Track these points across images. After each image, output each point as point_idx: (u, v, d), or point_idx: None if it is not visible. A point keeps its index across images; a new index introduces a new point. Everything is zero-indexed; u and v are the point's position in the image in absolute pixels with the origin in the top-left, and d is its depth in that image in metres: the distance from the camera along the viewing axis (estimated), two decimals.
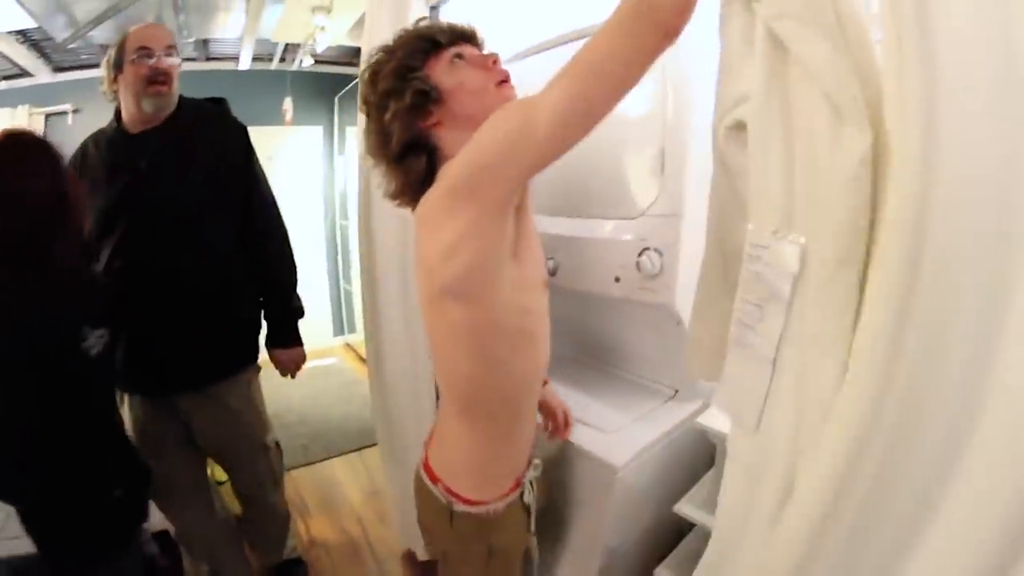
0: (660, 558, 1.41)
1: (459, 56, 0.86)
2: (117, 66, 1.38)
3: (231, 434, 1.62)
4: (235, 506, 1.93)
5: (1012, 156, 0.49)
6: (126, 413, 1.53)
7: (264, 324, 1.67)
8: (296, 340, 1.69)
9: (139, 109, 1.38)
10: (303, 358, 1.74)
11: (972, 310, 0.52)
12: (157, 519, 1.82)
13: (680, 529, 1.44)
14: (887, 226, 0.52)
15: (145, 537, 1.46)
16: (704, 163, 1.16)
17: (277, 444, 1.80)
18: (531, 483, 1.08)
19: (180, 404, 1.54)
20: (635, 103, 1.26)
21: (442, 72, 0.84)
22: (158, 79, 1.35)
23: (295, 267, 1.67)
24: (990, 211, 0.51)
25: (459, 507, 0.96)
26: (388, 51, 0.87)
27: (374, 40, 1.59)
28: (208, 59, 3.82)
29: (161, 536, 1.91)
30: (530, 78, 1.48)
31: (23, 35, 3.02)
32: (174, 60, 1.39)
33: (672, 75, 1.17)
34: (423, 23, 0.92)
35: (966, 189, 0.50)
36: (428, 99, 0.83)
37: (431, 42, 0.86)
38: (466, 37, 0.89)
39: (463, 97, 0.84)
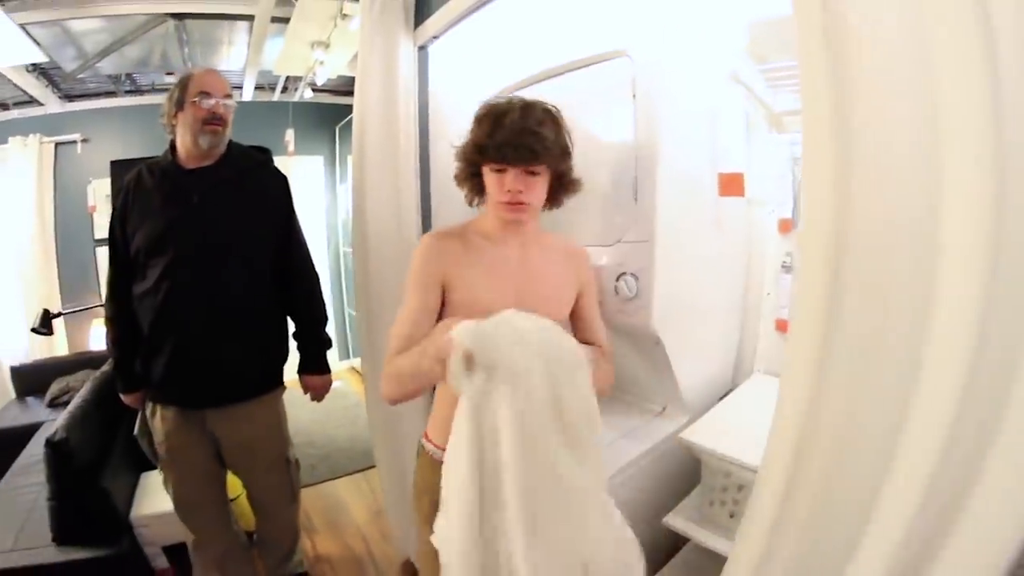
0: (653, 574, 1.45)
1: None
2: (179, 104, 1.53)
3: (256, 449, 1.75)
4: (245, 522, 2.07)
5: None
6: (156, 424, 1.67)
7: (296, 353, 1.84)
8: (326, 368, 1.86)
9: (195, 145, 1.54)
10: (330, 383, 1.90)
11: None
12: (174, 531, 1.97)
13: (674, 546, 1.49)
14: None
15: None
16: (672, 191, 1.27)
17: (296, 460, 1.93)
18: None
19: (209, 418, 1.67)
20: (608, 134, 1.36)
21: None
22: (215, 120, 1.53)
23: (325, 305, 1.85)
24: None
25: (423, 441, 1.15)
26: None
27: (367, 78, 1.72)
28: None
29: (175, 548, 2.07)
30: None
31: (34, 65, 3.18)
32: (230, 104, 1.57)
33: (642, 107, 1.27)
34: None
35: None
36: None
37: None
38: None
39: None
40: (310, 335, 1.81)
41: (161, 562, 2.13)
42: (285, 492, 1.86)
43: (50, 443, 1.86)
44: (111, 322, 1.69)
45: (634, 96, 1.28)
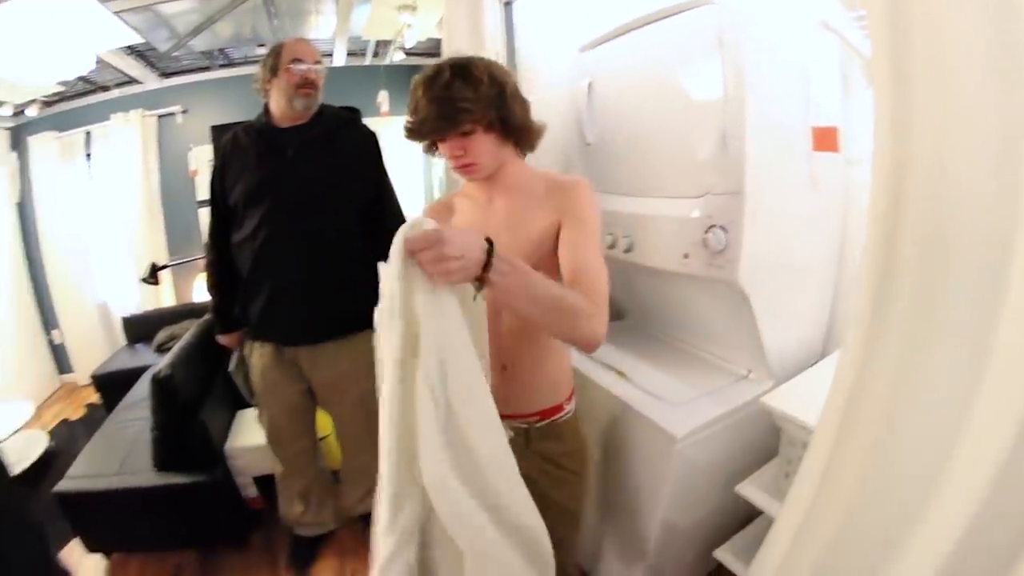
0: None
1: None
2: (273, 71, 1.66)
3: (344, 386, 1.87)
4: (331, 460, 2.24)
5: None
6: (253, 361, 1.84)
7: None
8: None
9: (290, 107, 1.66)
10: None
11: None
12: (264, 464, 2.16)
13: (747, 516, 1.46)
14: None
15: None
16: (762, 142, 1.23)
17: None
18: None
19: (302, 356, 1.81)
20: (694, 85, 1.32)
21: None
22: (307, 84, 1.64)
23: None
24: None
25: None
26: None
27: (453, 37, 1.76)
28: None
29: (264, 479, 2.27)
30: (603, 65, 1.59)
31: (130, 48, 3.43)
32: (321, 68, 1.68)
33: (729, 55, 1.23)
34: None
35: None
36: None
37: None
38: None
39: None
40: None
41: (251, 491, 2.33)
42: (372, 428, 1.97)
43: (156, 379, 2.06)
44: (211, 268, 1.85)
45: (720, 44, 1.23)
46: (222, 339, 1.92)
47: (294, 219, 1.67)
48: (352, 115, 1.86)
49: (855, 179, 1.44)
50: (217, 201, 1.76)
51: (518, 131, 1.08)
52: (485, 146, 1.05)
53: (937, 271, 0.55)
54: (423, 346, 0.79)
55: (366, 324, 1.81)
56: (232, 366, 1.94)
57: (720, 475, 1.42)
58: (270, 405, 1.88)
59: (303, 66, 1.63)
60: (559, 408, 1.21)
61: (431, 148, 1.12)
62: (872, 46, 0.58)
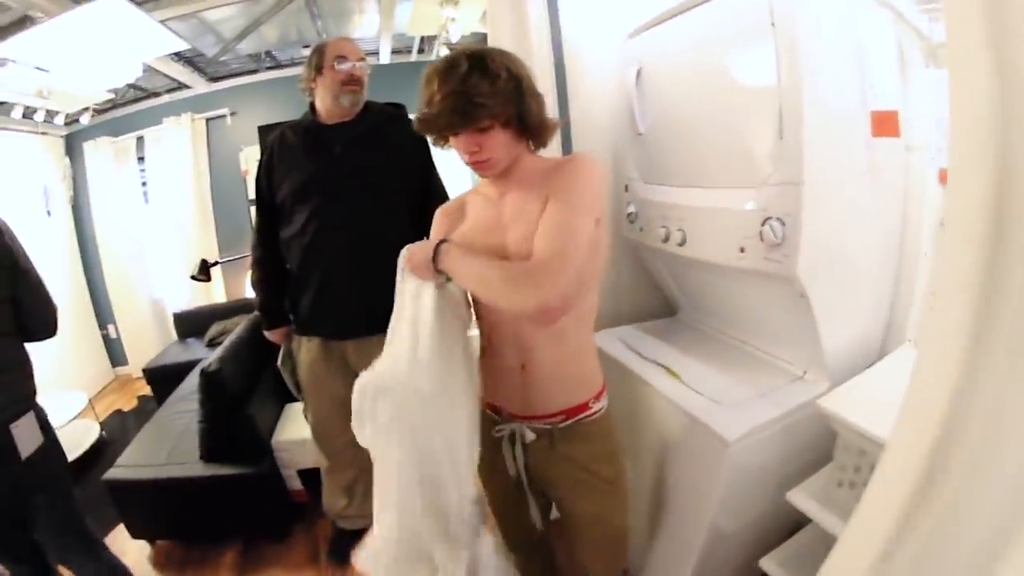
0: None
1: None
2: (317, 69, 1.70)
3: None
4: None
5: None
6: (301, 356, 1.88)
7: None
8: None
9: (336, 104, 1.71)
10: None
11: None
12: (309, 457, 2.23)
13: (797, 523, 1.40)
14: None
15: None
16: (820, 129, 1.17)
17: None
18: (515, 435, 1.21)
19: (349, 350, 1.83)
20: (749, 71, 1.27)
21: None
22: (352, 81, 1.69)
23: None
24: None
25: None
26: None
27: (498, 30, 1.75)
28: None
29: (308, 472, 2.32)
30: (652, 51, 1.56)
31: (178, 54, 3.58)
32: (365, 66, 1.72)
33: (782, 36, 1.17)
34: None
35: None
36: None
37: None
38: None
39: None
40: None
41: (295, 484, 2.39)
42: None
43: (204, 373, 2.15)
44: (257, 264, 1.89)
45: (772, 24, 1.17)
46: (269, 335, 1.96)
47: (342, 214, 1.70)
48: (398, 111, 1.90)
49: (915, 166, 1.36)
50: (264, 198, 1.81)
51: (534, 127, 1.06)
52: (501, 142, 1.03)
53: None
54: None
55: None
56: (280, 360, 1.98)
57: (771, 481, 1.36)
58: (317, 399, 1.92)
59: (347, 64, 1.67)
60: (584, 407, 1.17)
61: (442, 141, 1.10)
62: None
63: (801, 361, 1.45)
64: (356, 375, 1.85)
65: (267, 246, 1.84)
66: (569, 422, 1.16)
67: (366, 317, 1.76)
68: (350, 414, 1.97)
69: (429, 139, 1.13)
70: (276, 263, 1.83)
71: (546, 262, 0.95)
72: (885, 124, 1.28)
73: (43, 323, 1.51)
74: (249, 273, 2.14)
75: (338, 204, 1.70)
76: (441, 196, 1.87)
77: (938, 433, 0.55)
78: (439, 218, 1.22)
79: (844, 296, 1.36)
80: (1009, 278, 0.49)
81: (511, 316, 1.11)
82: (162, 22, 2.76)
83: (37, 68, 2.91)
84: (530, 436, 1.19)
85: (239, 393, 2.27)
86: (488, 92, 0.97)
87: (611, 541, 1.30)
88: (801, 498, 1.25)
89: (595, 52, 1.82)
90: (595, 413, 1.18)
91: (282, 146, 1.78)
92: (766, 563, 1.36)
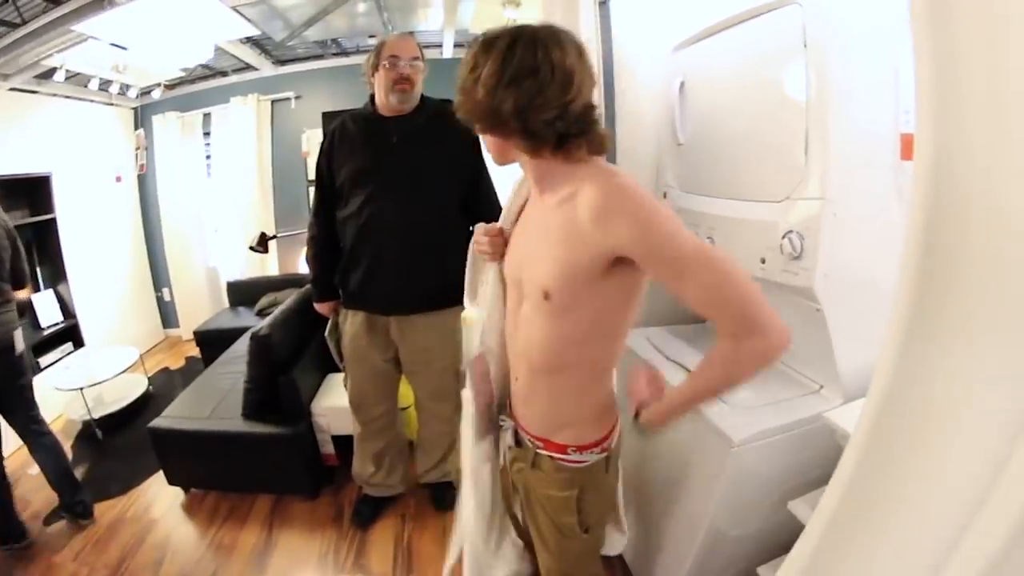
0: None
1: None
2: (375, 66, 1.85)
3: (430, 355, 2.08)
4: (408, 431, 2.46)
5: None
6: (346, 328, 2.07)
7: None
8: None
9: (387, 100, 1.85)
10: None
11: None
12: (344, 424, 2.41)
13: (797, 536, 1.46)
14: None
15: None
16: (846, 148, 1.25)
17: (466, 374, 2.22)
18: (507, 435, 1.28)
19: (393, 325, 2.01)
20: (782, 89, 1.35)
21: None
22: (403, 81, 1.82)
23: None
24: None
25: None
26: None
27: None
28: None
29: (341, 439, 2.52)
30: (694, 65, 1.66)
31: (247, 38, 3.78)
32: (417, 66, 1.84)
33: (814, 57, 1.24)
34: None
35: None
36: None
37: None
38: None
39: None
40: None
41: (328, 448, 2.59)
42: (450, 399, 2.14)
43: (255, 336, 2.37)
44: (312, 240, 2.08)
45: (805, 46, 1.25)
46: (318, 307, 2.15)
47: (393, 202, 1.86)
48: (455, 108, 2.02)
49: None
50: (323, 180, 1.98)
51: (536, 134, 0.97)
52: (498, 145, 1.07)
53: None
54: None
55: (455, 301, 2.00)
56: (327, 331, 2.16)
57: (775, 489, 1.41)
58: (357, 369, 2.10)
59: (399, 63, 1.80)
60: (562, 448, 1.13)
61: None
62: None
63: (819, 376, 1.50)
64: (396, 349, 2.07)
65: (323, 225, 2.01)
66: (543, 453, 1.16)
67: (410, 297, 1.95)
68: (386, 385, 2.20)
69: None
70: (330, 241, 2.00)
71: (746, 308, 0.87)
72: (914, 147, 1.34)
73: (22, 278, 2.38)
74: (304, 249, 2.32)
75: (390, 192, 1.86)
76: (490, 195, 2.01)
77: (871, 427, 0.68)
78: (509, 201, 1.25)
79: (864, 315, 1.37)
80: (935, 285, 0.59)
81: (511, 329, 1.17)
82: (234, 8, 2.97)
83: (114, 45, 3.14)
84: (510, 440, 1.25)
85: (285, 358, 2.47)
86: (465, 91, 1.00)
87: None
88: (802, 509, 1.29)
89: (641, 63, 1.92)
90: (572, 461, 1.14)
91: (343, 133, 1.95)
92: (764, 571, 1.42)
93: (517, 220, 1.21)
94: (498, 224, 1.25)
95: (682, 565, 1.56)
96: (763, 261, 1.41)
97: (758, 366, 0.89)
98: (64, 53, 3.08)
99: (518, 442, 1.24)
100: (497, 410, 1.32)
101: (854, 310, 1.36)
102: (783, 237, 1.33)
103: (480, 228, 1.26)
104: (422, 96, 1.92)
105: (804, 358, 1.56)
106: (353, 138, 1.93)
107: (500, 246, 1.23)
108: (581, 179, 0.96)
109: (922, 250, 0.61)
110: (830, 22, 1.24)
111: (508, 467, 1.32)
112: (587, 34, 1.81)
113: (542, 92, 0.91)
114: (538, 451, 1.17)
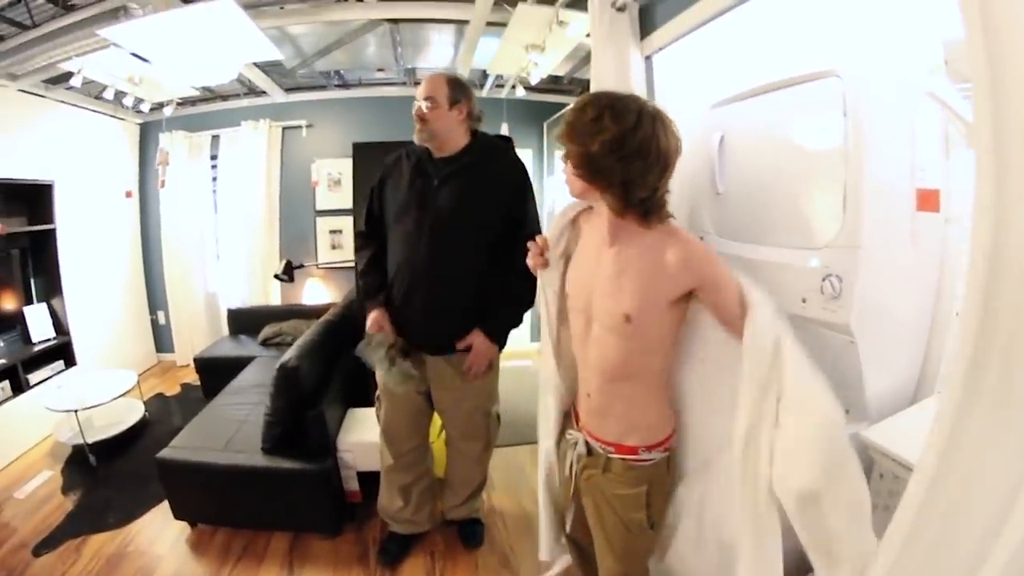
0: (797, 572, 1.50)
1: None
2: None
3: (464, 396, 2.13)
4: (436, 467, 2.48)
5: None
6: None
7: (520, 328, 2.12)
8: (501, 340, 2.08)
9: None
10: (494, 356, 2.12)
11: None
12: (370, 460, 2.42)
13: None
14: None
15: None
16: (875, 202, 1.45)
17: (498, 415, 2.30)
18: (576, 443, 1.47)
19: (428, 365, 2.07)
20: (820, 150, 1.56)
21: None
22: (419, 119, 1.89)
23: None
24: None
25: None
26: None
27: (601, 85, 2.05)
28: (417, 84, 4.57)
29: (365, 475, 2.53)
30: (733, 122, 1.84)
31: (267, 62, 3.78)
32: (423, 105, 1.87)
33: (852, 124, 1.45)
34: None
35: None
36: None
37: None
38: None
39: None
40: (509, 308, 2.06)
41: (353, 484, 2.59)
42: (481, 437, 2.23)
43: (283, 367, 2.39)
44: (364, 247, 2.15)
45: (845, 114, 1.46)
46: (370, 317, 2.06)
47: (428, 245, 1.92)
48: (505, 144, 2.12)
49: (951, 236, 1.60)
50: (372, 208, 2.09)
51: (614, 191, 1.22)
52: (574, 179, 1.26)
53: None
54: None
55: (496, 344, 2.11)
56: (363, 344, 2.07)
57: None
58: (392, 401, 2.14)
59: (415, 104, 1.89)
60: (633, 450, 1.36)
61: None
62: (974, 113, 0.71)
63: (845, 400, 1.65)
64: (430, 385, 2.12)
65: (368, 239, 2.10)
66: (615, 456, 1.37)
67: (437, 338, 2.02)
68: (419, 419, 2.29)
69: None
70: (381, 259, 2.07)
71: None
72: (928, 201, 1.53)
73: None
74: (309, 280, 2.29)
75: (424, 235, 1.91)
76: (534, 229, 2.03)
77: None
78: (558, 219, 1.49)
79: (887, 346, 1.59)
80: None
81: (581, 351, 1.41)
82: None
83: (135, 55, 3.07)
84: (582, 448, 1.44)
85: (310, 391, 2.48)
86: (580, 134, 1.19)
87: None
88: None
89: (681, 115, 2.09)
90: (643, 460, 1.36)
91: (396, 167, 2.04)
92: None
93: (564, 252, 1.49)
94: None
95: None
96: (804, 300, 1.59)
97: None
98: (83, 58, 3.03)
99: (589, 451, 1.43)
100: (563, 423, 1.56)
101: (879, 341, 1.56)
102: (823, 280, 1.51)
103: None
104: (474, 132, 1.98)
105: (832, 385, 1.70)
106: (403, 175, 2.00)
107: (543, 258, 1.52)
108: (661, 236, 1.25)
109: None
110: (865, 91, 1.45)
111: (576, 476, 1.47)
112: (636, 86, 1.99)
113: (644, 176, 1.17)
114: (609, 456, 1.38)
